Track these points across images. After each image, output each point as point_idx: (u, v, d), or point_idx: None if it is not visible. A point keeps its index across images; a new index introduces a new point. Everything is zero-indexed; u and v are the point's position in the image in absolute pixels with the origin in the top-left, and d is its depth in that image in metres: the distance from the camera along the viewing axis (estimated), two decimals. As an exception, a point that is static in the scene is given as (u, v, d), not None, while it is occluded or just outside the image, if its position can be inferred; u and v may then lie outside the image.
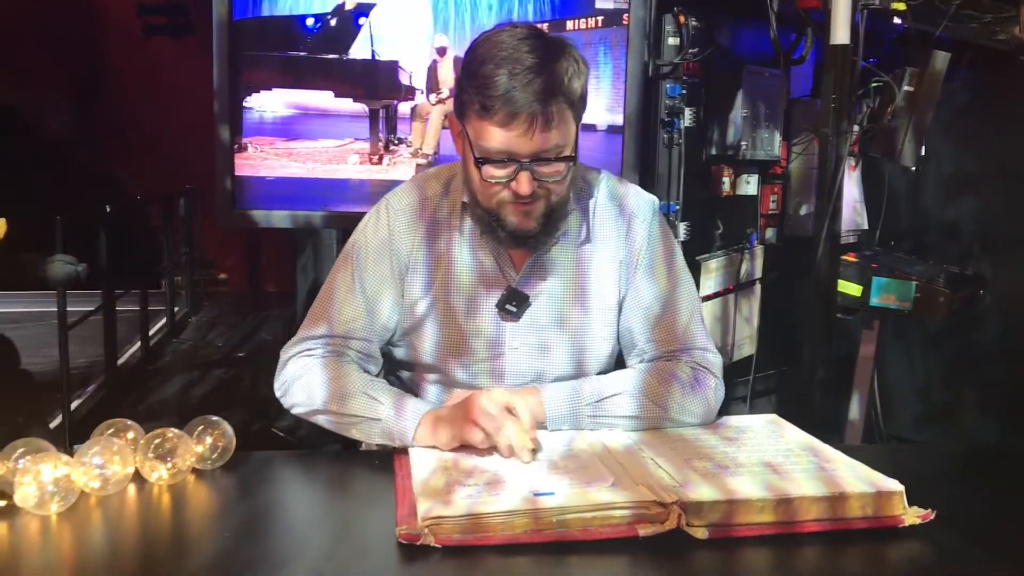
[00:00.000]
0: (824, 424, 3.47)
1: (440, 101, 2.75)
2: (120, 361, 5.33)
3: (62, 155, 8.41)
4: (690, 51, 3.16)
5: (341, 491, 1.36)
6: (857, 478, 1.20)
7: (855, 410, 3.27)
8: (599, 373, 1.56)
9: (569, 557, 1.09)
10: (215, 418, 1.36)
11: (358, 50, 2.80)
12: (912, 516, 1.16)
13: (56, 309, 4.05)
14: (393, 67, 2.82)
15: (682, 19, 3.14)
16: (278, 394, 1.54)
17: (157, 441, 1.28)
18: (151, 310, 5.95)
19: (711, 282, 3.43)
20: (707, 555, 1.10)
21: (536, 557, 1.08)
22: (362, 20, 2.74)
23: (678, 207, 3.26)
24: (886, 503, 1.16)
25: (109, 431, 1.31)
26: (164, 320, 6.34)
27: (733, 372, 3.65)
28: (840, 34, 2.52)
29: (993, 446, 2.05)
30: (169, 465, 1.28)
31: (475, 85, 1.33)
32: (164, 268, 6.37)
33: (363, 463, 1.40)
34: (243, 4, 2.63)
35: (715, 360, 1.54)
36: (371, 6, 2.76)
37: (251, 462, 1.39)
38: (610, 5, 2.90)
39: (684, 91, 3.19)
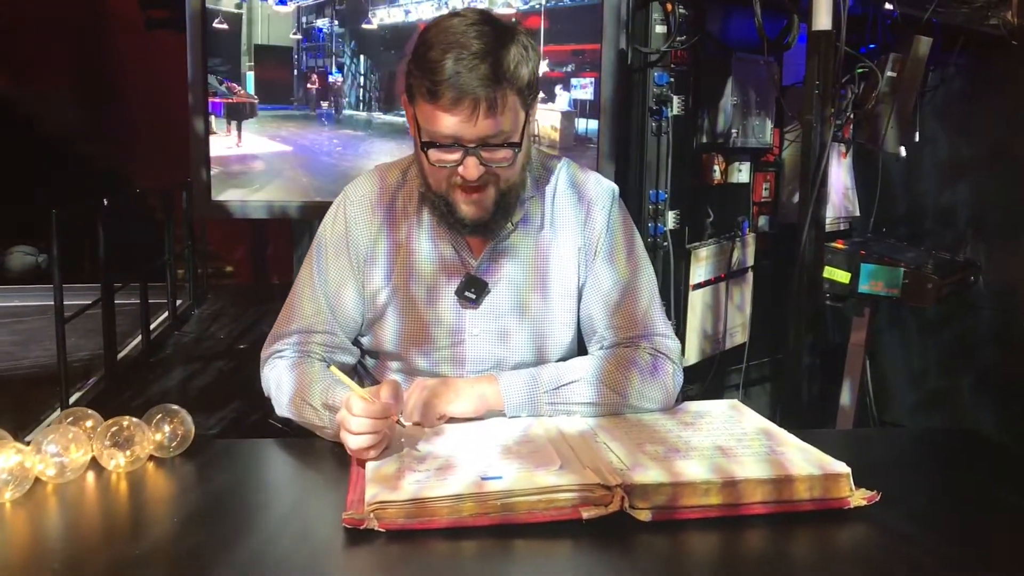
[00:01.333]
0: (817, 411, 3.48)
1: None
2: (122, 354, 5.37)
3: (64, 148, 8.46)
4: (678, 39, 3.15)
5: (296, 478, 1.38)
6: (806, 461, 1.21)
7: (846, 397, 3.27)
8: (560, 359, 1.57)
9: (514, 540, 1.09)
10: (174, 406, 1.37)
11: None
12: (858, 498, 1.16)
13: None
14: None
15: (669, 7, 3.13)
16: (267, 395, 1.58)
17: (114, 429, 1.29)
18: (156, 303, 5.99)
19: (701, 270, 3.42)
20: (650, 537, 1.10)
21: (481, 540, 1.09)
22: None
23: (667, 196, 3.26)
24: (832, 485, 1.17)
25: (68, 420, 1.33)
26: (166, 313, 6.38)
27: (726, 360, 3.65)
28: (822, 20, 2.51)
29: (955, 430, 2.04)
30: (127, 453, 1.29)
31: (422, 70, 1.33)
32: (166, 261, 6.39)
33: (322, 450, 1.41)
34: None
35: (674, 346, 1.54)
36: None
37: (212, 449, 1.40)
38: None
39: (672, 79, 3.19)
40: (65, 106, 8.93)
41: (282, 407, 1.51)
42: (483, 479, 1.16)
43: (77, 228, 4.54)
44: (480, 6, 2.70)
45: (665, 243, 3.26)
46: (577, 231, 1.56)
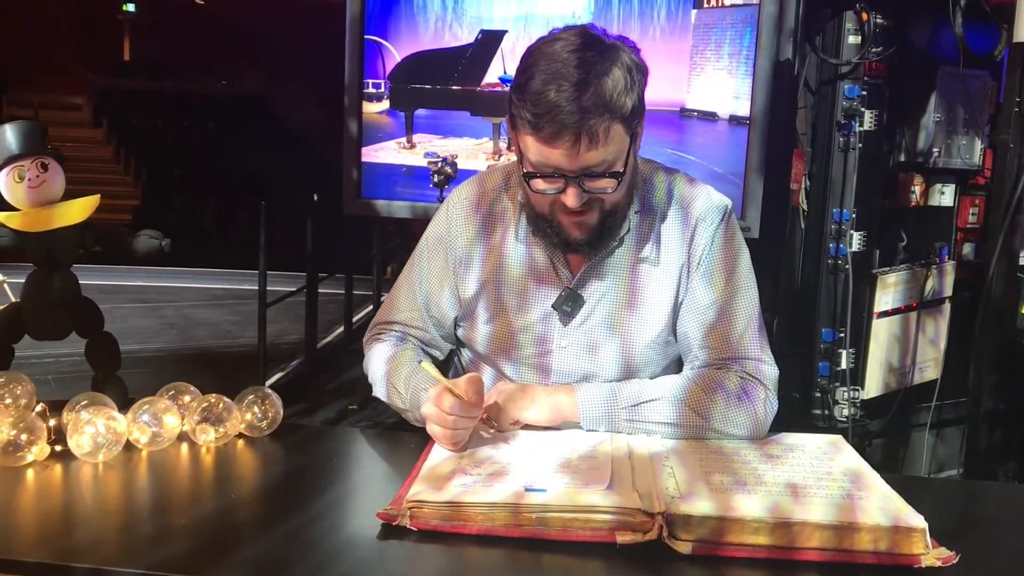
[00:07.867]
0: (998, 458, 3.15)
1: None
2: (324, 341, 5.71)
3: (301, 146, 9.12)
4: (873, 50, 2.96)
5: (365, 468, 1.41)
6: (879, 510, 1.09)
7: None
8: (651, 378, 1.51)
9: (544, 555, 1.07)
10: (267, 389, 1.44)
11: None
12: (932, 557, 1.04)
13: (256, 287, 4.38)
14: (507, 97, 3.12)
15: (865, 16, 2.96)
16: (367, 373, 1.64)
17: (205, 406, 1.37)
18: (361, 295, 6.34)
19: (888, 298, 3.20)
20: (687, 569, 1.04)
21: (511, 552, 1.07)
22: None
23: (852, 215, 3.07)
24: (903, 540, 1.05)
25: (169, 393, 1.42)
26: (371, 306, 6.71)
27: (914, 397, 3.39)
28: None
29: None
30: (217, 429, 1.37)
31: (524, 100, 1.31)
32: (374, 255, 6.71)
33: (406, 442, 1.43)
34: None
35: (769, 372, 1.44)
36: (503, 33, 3.07)
37: (299, 433, 1.47)
38: (739, 1, 2.78)
39: (864, 92, 3.00)
40: (305, 108, 9.61)
41: (376, 386, 1.57)
42: (526, 490, 1.14)
43: (286, 219, 4.88)
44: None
45: (846, 266, 3.07)
46: (681, 249, 1.49)
